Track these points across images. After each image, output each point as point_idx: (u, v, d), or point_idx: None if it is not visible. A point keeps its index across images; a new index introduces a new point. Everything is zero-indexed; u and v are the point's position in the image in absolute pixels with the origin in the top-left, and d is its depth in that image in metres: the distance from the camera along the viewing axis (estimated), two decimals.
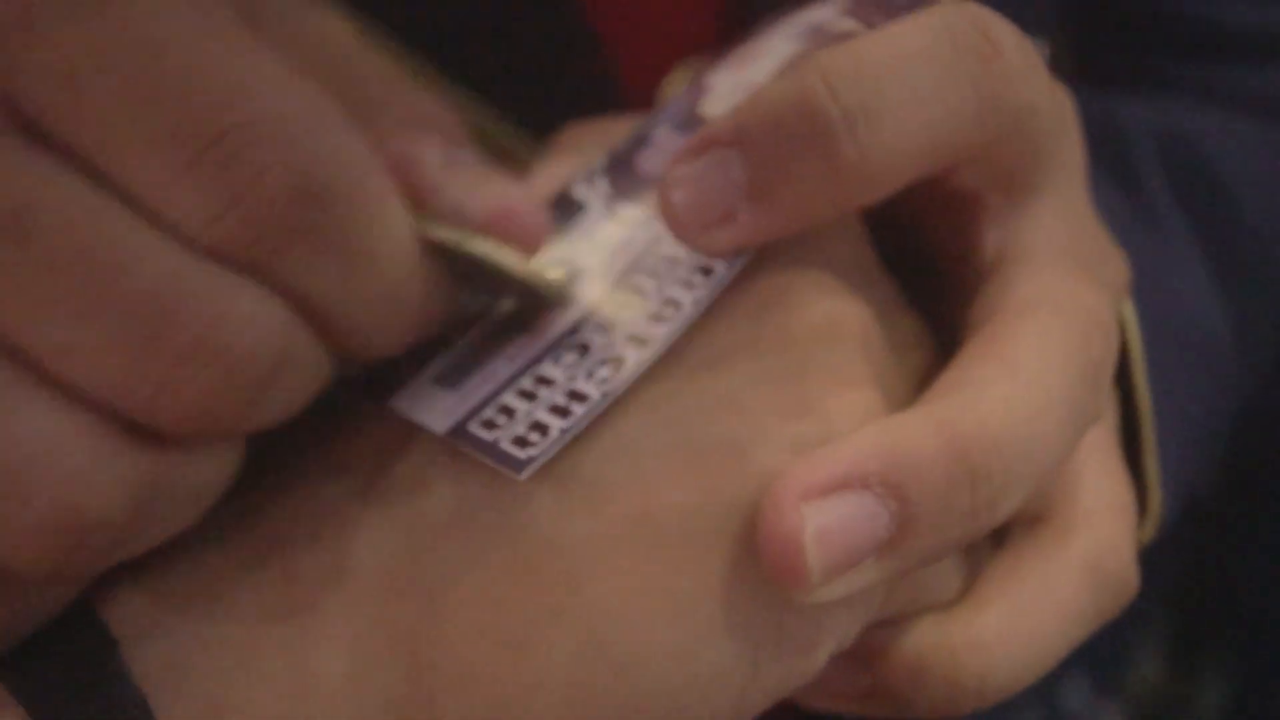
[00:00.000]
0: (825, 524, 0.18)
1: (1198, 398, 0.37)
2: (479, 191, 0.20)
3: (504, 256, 0.20)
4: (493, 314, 0.23)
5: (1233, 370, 0.39)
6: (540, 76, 0.37)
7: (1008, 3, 0.44)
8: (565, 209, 0.24)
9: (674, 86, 0.31)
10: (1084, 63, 0.52)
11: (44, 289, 0.17)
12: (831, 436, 0.19)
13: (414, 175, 0.20)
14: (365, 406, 0.22)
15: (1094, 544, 0.23)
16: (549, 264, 0.23)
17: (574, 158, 0.28)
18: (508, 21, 0.37)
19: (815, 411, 0.20)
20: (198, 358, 0.17)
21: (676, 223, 0.21)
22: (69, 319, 0.17)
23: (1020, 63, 0.21)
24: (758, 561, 0.19)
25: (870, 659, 0.22)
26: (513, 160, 0.38)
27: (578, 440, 0.20)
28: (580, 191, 0.25)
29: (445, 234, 0.19)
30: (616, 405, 0.20)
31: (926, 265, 0.25)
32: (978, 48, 0.20)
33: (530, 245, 0.21)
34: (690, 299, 0.21)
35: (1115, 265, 0.24)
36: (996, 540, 0.24)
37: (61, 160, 0.17)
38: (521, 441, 0.20)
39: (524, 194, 0.20)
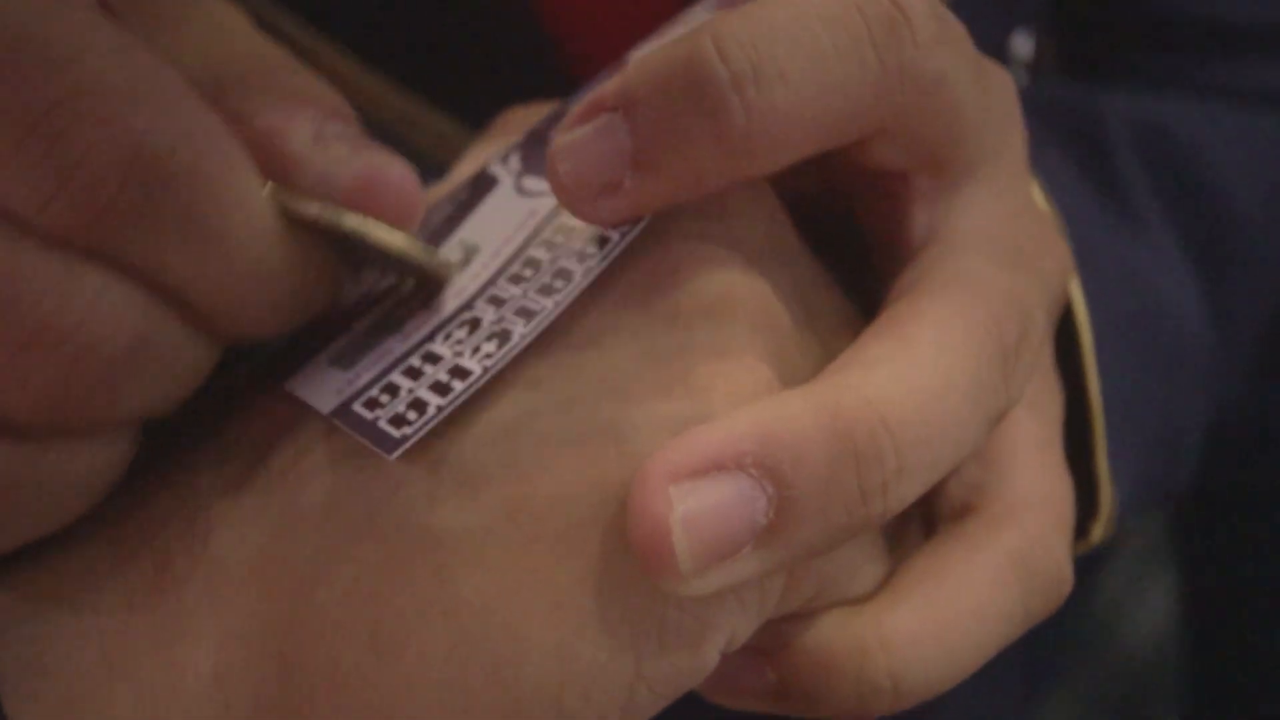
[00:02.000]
0: (695, 508, 0.17)
1: (1169, 393, 0.35)
2: (348, 163, 0.19)
3: (375, 230, 0.19)
4: (395, 292, 0.22)
5: (1210, 363, 0.38)
6: (495, 83, 0.36)
7: None
8: (480, 185, 0.24)
9: None
10: (1070, 56, 0.51)
11: None
12: (712, 417, 0.18)
13: (281, 149, 0.19)
14: (266, 388, 0.21)
15: (1023, 539, 0.21)
16: (451, 244, 0.22)
17: (502, 140, 0.27)
18: (461, 26, 0.36)
19: (698, 392, 0.19)
20: (40, 347, 0.16)
21: (563, 191, 0.20)
22: None
23: (931, 31, 0.20)
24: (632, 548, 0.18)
25: (775, 655, 0.21)
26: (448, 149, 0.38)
27: (456, 423, 0.19)
28: (494, 168, 0.24)
29: (312, 209, 0.18)
30: (498, 386, 0.19)
31: (863, 248, 0.24)
32: (885, 12, 0.19)
33: (403, 217, 0.20)
34: (581, 270, 0.20)
35: (1055, 256, 0.23)
36: (928, 532, 0.23)
37: None
38: (399, 420, 0.19)
39: (397, 165, 0.20)
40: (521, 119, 0.27)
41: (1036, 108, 0.29)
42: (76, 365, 0.17)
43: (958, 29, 0.21)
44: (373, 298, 0.23)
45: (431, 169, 0.38)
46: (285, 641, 0.18)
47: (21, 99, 0.16)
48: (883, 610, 0.20)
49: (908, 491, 0.18)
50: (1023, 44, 0.54)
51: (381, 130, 0.37)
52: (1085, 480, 0.28)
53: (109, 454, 0.19)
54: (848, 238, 0.24)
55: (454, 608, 0.18)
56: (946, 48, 0.20)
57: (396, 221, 0.20)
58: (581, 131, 0.19)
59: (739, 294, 0.20)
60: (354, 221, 0.19)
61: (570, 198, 0.20)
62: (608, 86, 0.19)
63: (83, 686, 0.18)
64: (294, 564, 0.19)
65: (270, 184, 0.18)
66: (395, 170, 0.19)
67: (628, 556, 0.18)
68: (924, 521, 0.23)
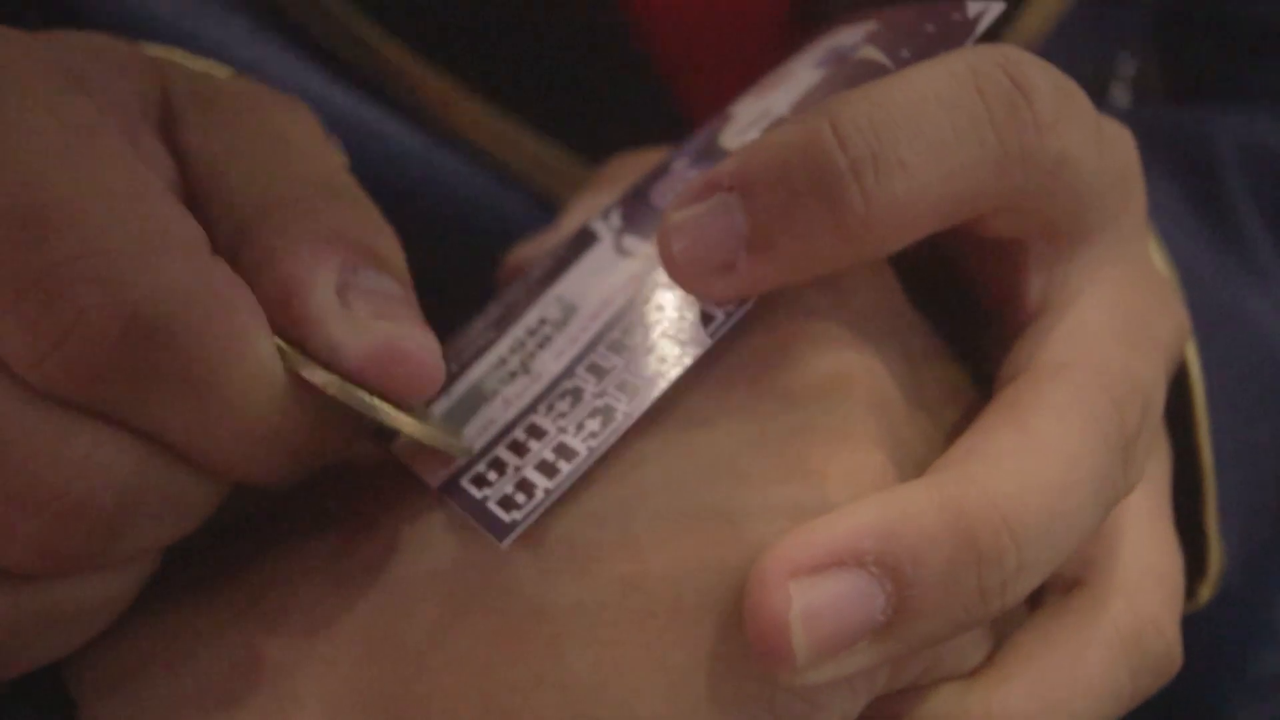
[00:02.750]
0: (814, 604, 0.17)
1: (1270, 434, 0.34)
2: (365, 333, 0.18)
3: (380, 411, 0.18)
4: (492, 343, 0.22)
5: None
6: (595, 103, 0.37)
7: (1100, 19, 0.43)
8: (580, 241, 0.24)
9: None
10: (1176, 76, 0.50)
11: None
12: (829, 505, 0.18)
13: (300, 307, 0.18)
14: (369, 449, 0.22)
15: (1132, 616, 0.21)
16: (547, 300, 0.23)
17: (611, 190, 0.27)
18: (562, 48, 0.36)
19: (814, 476, 0.19)
20: (31, 501, 0.16)
21: (674, 268, 0.20)
22: None
23: (1054, 109, 0.19)
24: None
25: None
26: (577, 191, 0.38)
27: (565, 499, 0.19)
28: (596, 224, 0.24)
29: (320, 378, 0.18)
30: (607, 461, 0.19)
31: (972, 310, 0.24)
32: (1005, 94, 0.19)
33: (418, 391, 0.19)
34: (688, 346, 0.20)
35: (1172, 319, 0.22)
36: (1032, 602, 0.23)
37: None
38: (508, 502, 0.19)
39: (417, 335, 0.19)
40: (631, 168, 0.27)
41: (1144, 133, 0.29)
42: (65, 520, 0.17)
43: (1079, 100, 0.20)
44: (465, 350, 0.23)
45: (530, 193, 0.39)
46: (396, 708, 0.19)
47: (20, 256, 0.16)
48: (992, 687, 0.20)
49: (1025, 588, 0.18)
50: (1126, 63, 0.53)
51: (480, 154, 0.37)
52: (1193, 539, 0.28)
53: (122, 582, 0.19)
54: (951, 294, 0.24)
55: (567, 681, 0.18)
56: (1068, 124, 0.20)
57: (411, 395, 0.19)
58: (696, 209, 0.20)
59: (852, 372, 0.20)
60: (361, 399, 0.18)
61: (683, 275, 0.20)
62: (725, 166, 0.19)
63: None
64: (403, 632, 0.19)
65: (281, 345, 0.18)
66: (414, 342, 0.19)
67: (740, 638, 0.18)
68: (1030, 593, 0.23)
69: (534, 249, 0.27)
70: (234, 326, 0.17)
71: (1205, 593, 0.28)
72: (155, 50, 0.22)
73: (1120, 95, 0.55)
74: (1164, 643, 0.21)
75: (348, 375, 0.18)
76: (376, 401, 0.18)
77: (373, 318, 0.18)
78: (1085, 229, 0.21)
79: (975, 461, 0.18)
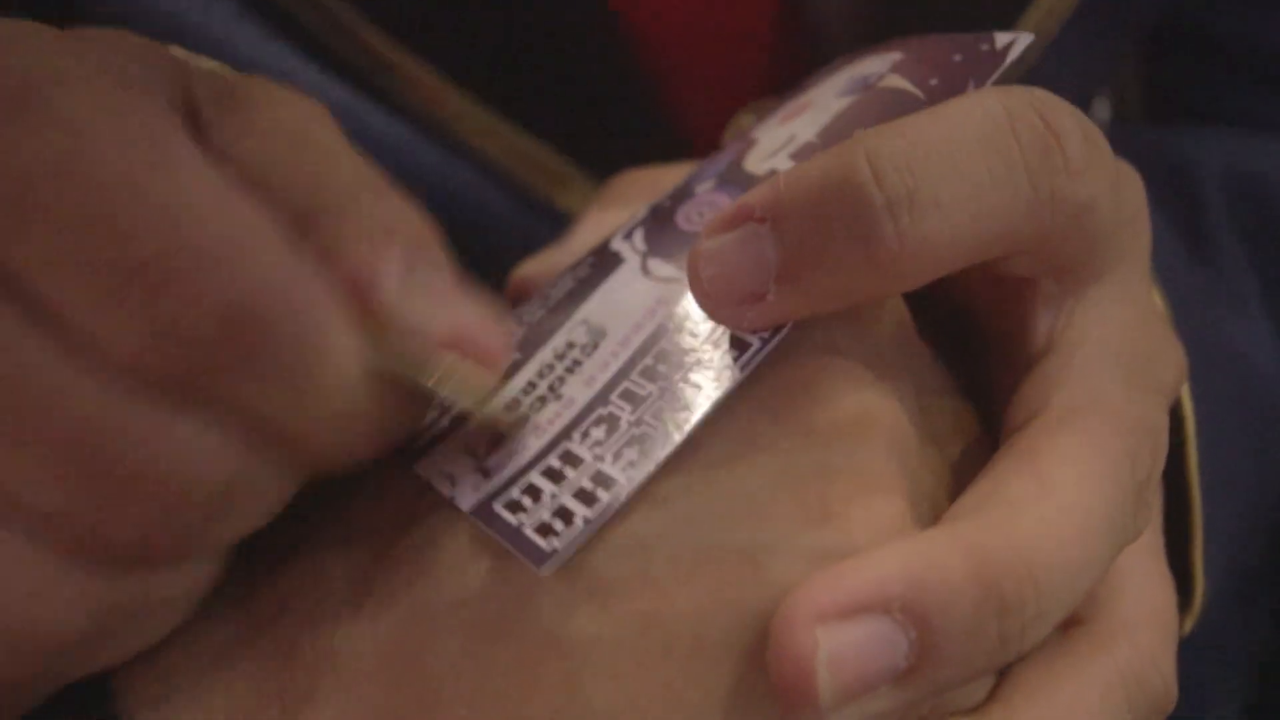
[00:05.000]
0: (840, 648, 0.17)
1: (1252, 462, 0.35)
2: (437, 317, 0.19)
3: (453, 388, 0.19)
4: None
5: None
6: (591, 114, 0.36)
7: (1089, 36, 0.43)
8: (604, 262, 0.24)
9: (733, 132, 0.30)
10: (1156, 94, 0.50)
11: None
12: (852, 548, 0.18)
13: (372, 295, 0.18)
14: (391, 465, 0.21)
15: (1134, 655, 0.21)
16: (574, 322, 0.22)
17: (621, 208, 0.27)
18: (560, 59, 0.36)
19: (836, 519, 0.19)
20: (136, 489, 0.16)
21: (703, 297, 0.20)
22: (2, 449, 0.16)
23: (1083, 155, 0.20)
24: (768, 676, 0.18)
25: None
26: (561, 187, 0.38)
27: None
28: (618, 244, 0.24)
29: (397, 362, 0.18)
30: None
31: (971, 336, 0.24)
32: (1039, 138, 0.19)
33: (490, 367, 0.19)
34: (721, 375, 0.20)
35: (1171, 358, 0.23)
36: None
37: None
38: (545, 529, 0.19)
39: (484, 316, 0.19)
40: (640, 186, 0.26)
41: (1125, 153, 0.29)
42: (173, 507, 0.17)
43: (1103, 145, 0.20)
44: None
45: (514, 189, 0.38)
46: None
47: (122, 248, 0.16)
48: None
49: (1042, 633, 0.18)
50: (1101, 108, 0.54)
51: (461, 146, 0.37)
52: (1177, 568, 0.28)
53: (197, 576, 0.19)
54: (941, 315, 0.24)
55: (583, 716, 0.18)
56: (1096, 171, 0.20)
57: (484, 368, 0.19)
58: (726, 239, 0.19)
59: (874, 412, 0.20)
60: (435, 378, 0.19)
61: (712, 304, 0.20)
62: (756, 195, 0.19)
63: None
64: (423, 660, 0.19)
65: (357, 331, 0.18)
66: (483, 323, 0.19)
67: (759, 678, 0.18)
68: None
69: (541, 265, 0.26)
70: (325, 314, 0.17)
71: (1188, 624, 0.28)
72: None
73: (1100, 109, 0.55)
74: (1162, 679, 0.22)
75: (420, 359, 0.19)
76: (449, 379, 0.19)
77: (440, 305, 0.19)
78: (1095, 269, 0.21)
79: (996, 510, 0.18)
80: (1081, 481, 0.19)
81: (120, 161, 0.16)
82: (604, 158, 0.30)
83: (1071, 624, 0.22)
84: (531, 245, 0.29)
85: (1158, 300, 0.29)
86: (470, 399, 0.19)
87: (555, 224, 0.36)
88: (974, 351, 0.24)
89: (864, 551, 0.18)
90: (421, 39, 0.35)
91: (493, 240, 0.38)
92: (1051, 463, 0.19)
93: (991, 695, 0.21)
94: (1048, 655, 0.22)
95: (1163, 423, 0.21)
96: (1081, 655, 0.21)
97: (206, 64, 0.23)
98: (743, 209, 0.19)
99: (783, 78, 0.39)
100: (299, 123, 0.20)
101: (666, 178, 0.27)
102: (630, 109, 0.37)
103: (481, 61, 0.36)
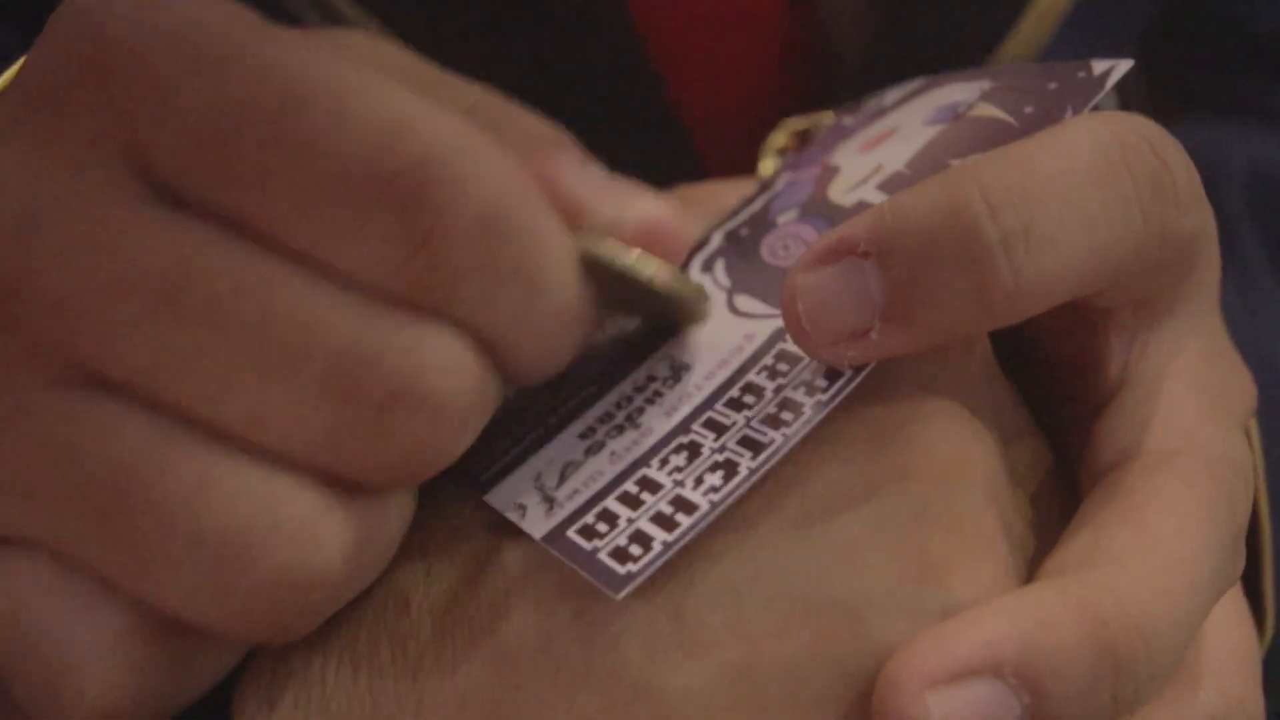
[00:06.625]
0: (951, 715, 0.16)
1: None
2: (630, 207, 0.20)
3: (656, 270, 0.20)
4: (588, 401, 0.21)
5: None
6: (603, 118, 0.35)
7: (1097, 26, 0.42)
8: None
9: (771, 151, 0.29)
10: (1163, 85, 0.50)
11: (226, 360, 0.16)
12: (955, 604, 0.18)
13: (568, 194, 0.19)
14: (463, 494, 0.21)
15: (1221, 698, 0.21)
16: (657, 359, 0.22)
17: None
18: (570, 63, 0.35)
19: (937, 571, 0.18)
20: (403, 408, 0.17)
21: (800, 334, 0.19)
22: (258, 387, 0.16)
23: (1190, 189, 0.19)
24: None
25: None
26: None
27: (675, 577, 0.18)
28: (698, 275, 0.23)
29: (602, 251, 0.19)
30: (720, 544, 0.19)
31: (1029, 359, 0.23)
32: (1152, 173, 0.19)
33: (676, 257, 0.20)
34: (811, 404, 0.19)
35: (1242, 385, 0.22)
36: None
37: (218, 226, 0.16)
38: (621, 554, 0.18)
39: (664, 206, 0.20)
40: (690, 204, 0.25)
41: None
42: (437, 423, 0.17)
43: (1198, 178, 0.20)
44: (558, 408, 0.22)
45: None
46: None
47: (363, 169, 0.16)
48: None
49: (1153, 692, 0.18)
50: (1107, 102, 0.53)
51: None
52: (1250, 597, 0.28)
53: (411, 506, 0.19)
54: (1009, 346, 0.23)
55: None
56: (1200, 204, 0.19)
57: (670, 259, 0.20)
58: (825, 273, 0.18)
59: (972, 456, 0.19)
60: (637, 261, 0.19)
61: (810, 342, 0.19)
62: (857, 228, 0.18)
63: None
64: (507, 706, 0.18)
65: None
66: (667, 212, 0.20)
67: None
68: None
69: None
70: (548, 214, 0.18)
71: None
72: None
73: (1107, 103, 0.55)
74: None
75: (616, 251, 0.19)
76: (647, 258, 0.19)
77: (624, 197, 0.20)
78: (1173, 300, 0.21)
79: (1103, 566, 0.18)
80: (1185, 531, 0.18)
81: (339, 85, 0.16)
82: (609, 150, 0.29)
83: None
84: None
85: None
86: (665, 272, 0.20)
87: None
88: (1030, 373, 0.23)
89: (968, 608, 0.18)
90: (423, 31, 0.34)
91: None
92: (1154, 512, 0.19)
93: None
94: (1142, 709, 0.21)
95: (1249, 459, 0.20)
96: (1171, 702, 0.21)
97: None
98: (844, 242, 0.18)
99: (791, 71, 0.38)
100: (396, 59, 0.20)
101: (717, 195, 0.26)
102: (636, 101, 0.36)
103: (483, 52, 0.35)
